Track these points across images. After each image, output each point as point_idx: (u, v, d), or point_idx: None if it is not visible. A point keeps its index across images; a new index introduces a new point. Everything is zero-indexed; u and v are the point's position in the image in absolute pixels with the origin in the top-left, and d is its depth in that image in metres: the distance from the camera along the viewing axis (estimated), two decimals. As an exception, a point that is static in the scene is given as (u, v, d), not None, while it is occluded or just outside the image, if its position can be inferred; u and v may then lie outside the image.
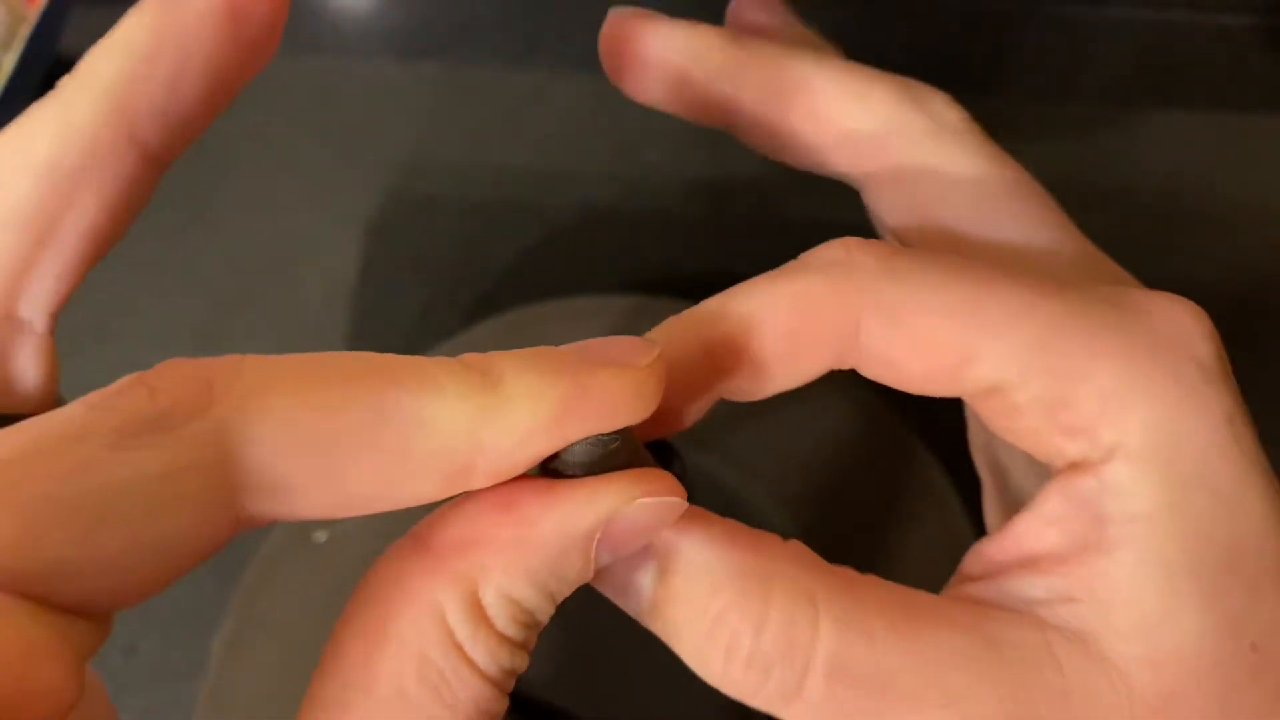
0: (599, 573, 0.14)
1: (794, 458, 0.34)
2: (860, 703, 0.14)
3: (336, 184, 0.42)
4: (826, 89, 0.21)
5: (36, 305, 0.17)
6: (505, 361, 0.12)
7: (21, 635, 0.10)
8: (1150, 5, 0.46)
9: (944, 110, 0.22)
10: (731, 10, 0.25)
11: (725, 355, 0.16)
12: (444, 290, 0.40)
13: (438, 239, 0.41)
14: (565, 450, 0.13)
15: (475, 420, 0.12)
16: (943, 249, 0.19)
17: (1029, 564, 0.16)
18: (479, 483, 0.12)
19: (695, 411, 0.17)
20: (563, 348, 0.13)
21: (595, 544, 0.13)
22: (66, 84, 0.17)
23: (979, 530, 0.34)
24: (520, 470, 0.13)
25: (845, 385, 0.35)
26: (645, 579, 0.14)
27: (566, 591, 0.13)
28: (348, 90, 0.45)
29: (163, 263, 0.41)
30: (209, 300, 0.40)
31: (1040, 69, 0.45)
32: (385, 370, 0.12)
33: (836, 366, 0.17)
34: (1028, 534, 0.16)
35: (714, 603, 0.14)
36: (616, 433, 0.13)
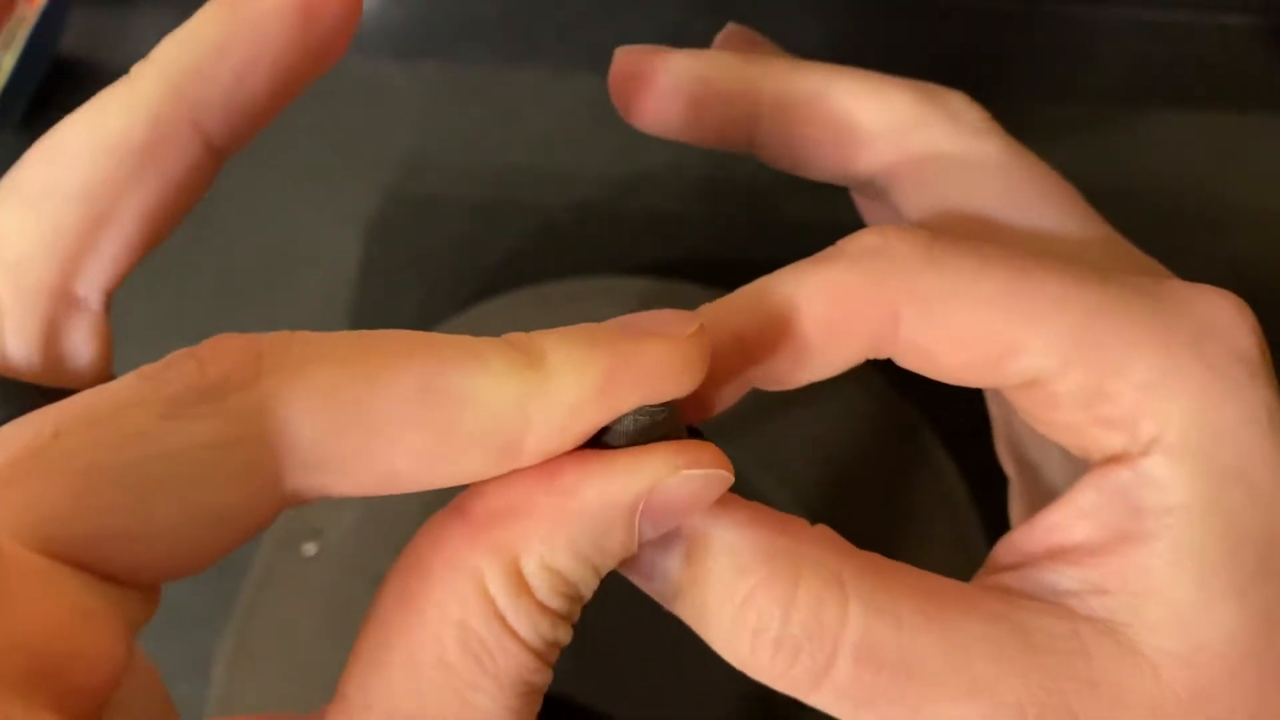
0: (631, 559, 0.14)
1: (807, 448, 0.34)
2: (887, 687, 0.14)
3: (336, 184, 0.42)
4: (844, 93, 0.21)
5: (93, 283, 0.17)
6: (549, 337, 0.12)
7: (76, 600, 0.11)
8: (1150, 5, 0.46)
9: (964, 108, 0.22)
10: (717, 44, 0.25)
11: (760, 343, 0.16)
12: (444, 290, 0.40)
13: (438, 239, 0.41)
14: (612, 424, 0.13)
15: (522, 395, 0.12)
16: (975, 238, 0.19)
17: (1061, 555, 0.16)
18: (527, 460, 0.12)
19: (726, 399, 0.17)
20: (605, 323, 0.13)
21: (638, 516, 0.13)
22: (139, 69, 0.17)
23: (987, 528, 0.34)
24: (569, 447, 0.13)
25: (862, 377, 0.35)
26: (672, 562, 0.14)
27: (609, 564, 0.13)
28: (348, 90, 0.45)
29: (162, 262, 0.41)
30: (209, 300, 0.40)
31: (1040, 69, 0.45)
32: (432, 347, 0.12)
33: (872, 356, 0.17)
34: (1060, 525, 0.16)
35: (742, 584, 0.14)
36: (663, 405, 0.13)
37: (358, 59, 0.45)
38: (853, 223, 0.42)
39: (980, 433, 0.38)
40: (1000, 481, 0.37)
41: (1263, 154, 0.43)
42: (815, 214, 0.42)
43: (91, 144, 0.17)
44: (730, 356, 0.16)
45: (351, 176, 0.42)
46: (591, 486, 0.12)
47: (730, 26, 0.25)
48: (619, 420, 0.13)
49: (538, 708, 0.12)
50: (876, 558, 0.16)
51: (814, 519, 0.33)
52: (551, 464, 0.13)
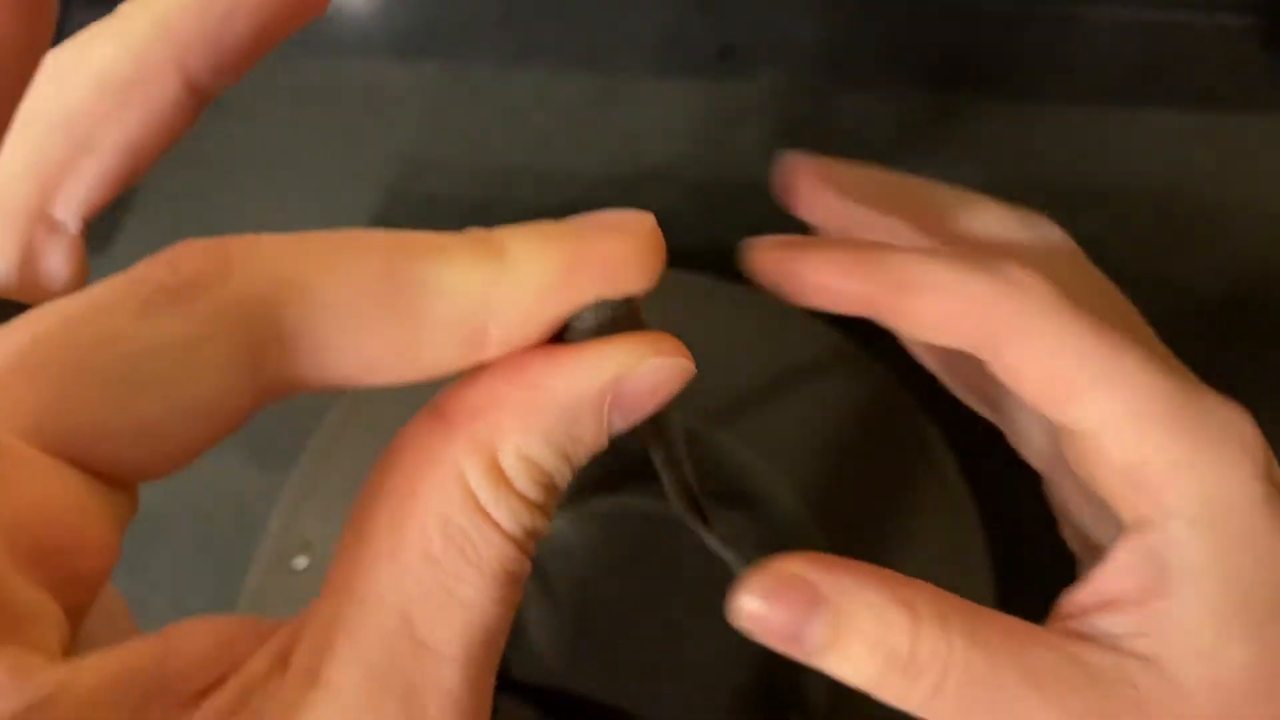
0: (768, 630, 0.19)
1: (805, 434, 0.34)
2: (982, 702, 0.19)
3: (336, 184, 0.42)
4: (945, 209, 0.26)
5: (70, 208, 0.18)
6: (512, 231, 0.13)
7: (71, 490, 0.11)
8: (1150, 5, 0.46)
9: (1049, 230, 0.28)
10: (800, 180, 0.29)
11: (890, 297, 0.22)
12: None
13: (438, 239, 0.41)
14: (574, 318, 0.13)
15: (486, 283, 0.12)
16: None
17: (1109, 605, 0.20)
18: (493, 350, 0.13)
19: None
20: (566, 220, 0.13)
21: (607, 405, 0.13)
22: (128, 8, 0.17)
23: (982, 511, 0.34)
24: (533, 338, 0.13)
25: (860, 367, 0.36)
26: (818, 626, 0.19)
27: (583, 455, 0.13)
28: (348, 90, 0.45)
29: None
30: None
31: (1040, 69, 0.45)
32: (396, 239, 0.12)
33: (969, 351, 0.21)
34: (1106, 582, 0.20)
35: (881, 629, 0.19)
36: (623, 301, 0.13)
37: (358, 59, 0.45)
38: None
39: (980, 430, 0.38)
40: (999, 483, 0.37)
41: (1262, 154, 0.43)
42: (815, 214, 0.42)
43: (77, 74, 0.17)
44: (860, 295, 0.22)
45: (352, 176, 0.43)
46: (561, 377, 0.13)
47: (801, 160, 0.29)
48: (579, 316, 0.13)
49: (519, 598, 0.13)
50: (967, 602, 0.20)
51: (808, 500, 0.33)
52: (521, 358, 0.13)
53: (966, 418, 0.31)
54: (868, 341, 0.39)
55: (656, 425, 0.15)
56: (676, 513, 0.17)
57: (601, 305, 0.13)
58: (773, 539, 0.33)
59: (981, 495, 0.35)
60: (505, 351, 0.13)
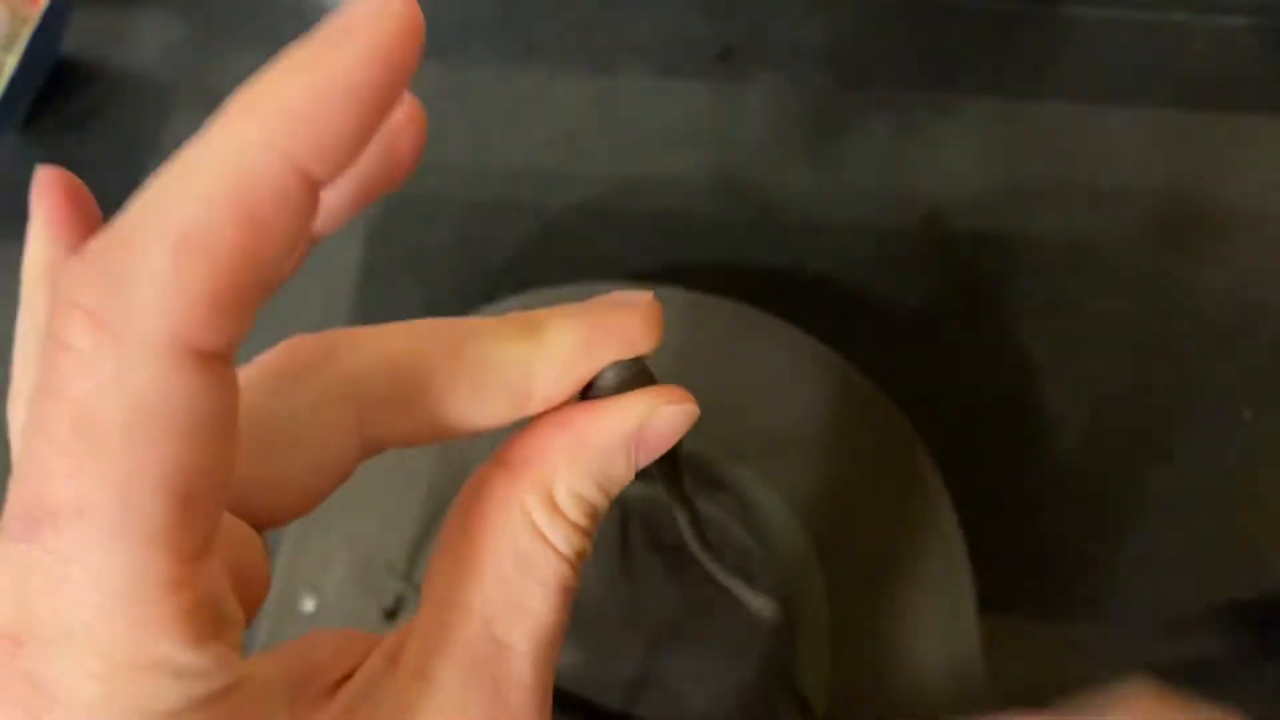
0: None
1: (808, 463, 0.34)
2: None
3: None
4: None
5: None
6: (544, 313, 0.16)
7: (252, 535, 0.15)
8: (1150, 5, 0.46)
9: None
10: None
11: None
12: (444, 290, 0.40)
13: (439, 239, 0.41)
14: (597, 378, 0.16)
15: (529, 353, 0.15)
16: None
17: None
18: (536, 405, 0.16)
19: None
20: (587, 301, 0.17)
21: (633, 446, 0.16)
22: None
23: (965, 525, 0.34)
24: (566, 394, 0.16)
25: (842, 376, 0.36)
26: None
27: (616, 489, 0.16)
28: (348, 90, 0.45)
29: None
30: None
31: (1040, 69, 0.45)
32: (461, 326, 0.16)
33: None
34: None
35: None
36: (634, 361, 0.16)
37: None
38: (851, 224, 0.43)
39: (972, 458, 0.38)
40: (988, 507, 0.37)
41: (1261, 155, 0.43)
42: (814, 216, 0.43)
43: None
44: None
45: (352, 177, 0.43)
46: (598, 427, 0.16)
47: None
48: (601, 375, 0.16)
49: (571, 608, 0.16)
50: None
51: (794, 508, 0.33)
52: (564, 413, 0.16)
53: (963, 450, 0.31)
54: (879, 376, 0.39)
55: (669, 465, 0.18)
56: (688, 544, 0.19)
57: (618, 366, 0.16)
58: (773, 562, 0.33)
59: (969, 525, 0.35)
60: (545, 406, 0.16)
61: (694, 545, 0.19)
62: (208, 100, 0.48)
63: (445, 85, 0.45)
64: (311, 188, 0.12)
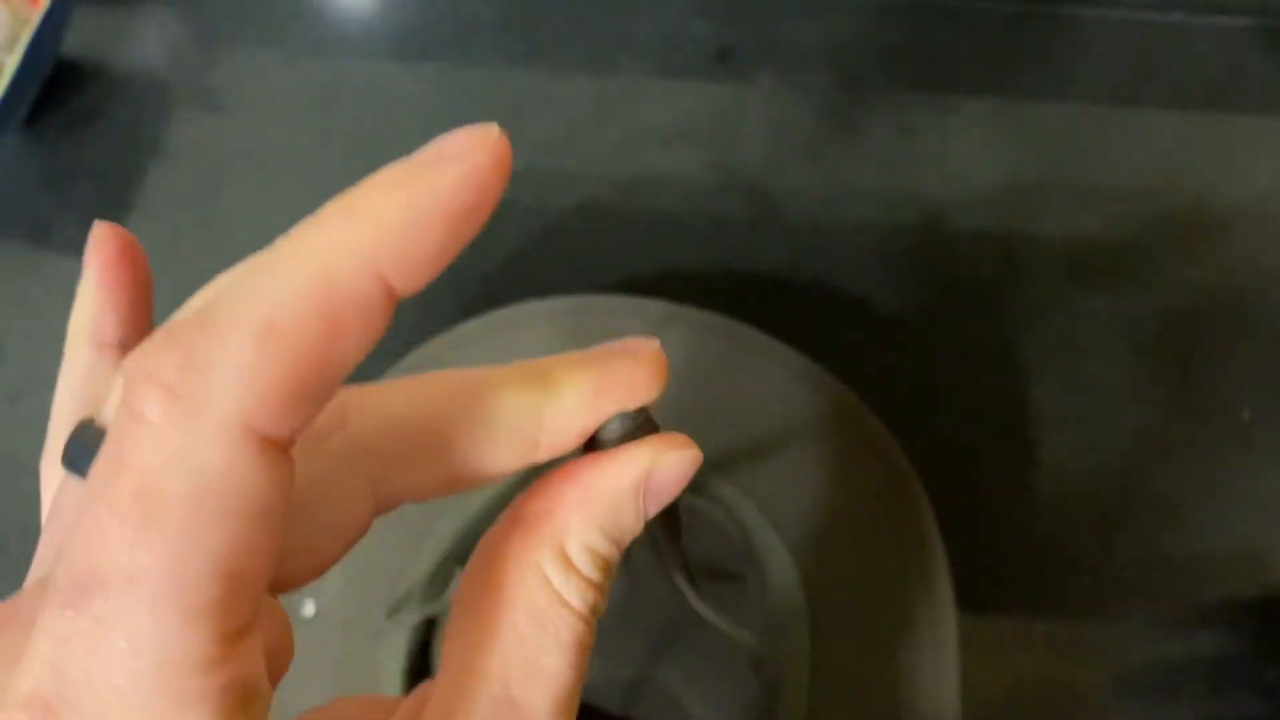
0: None
1: (796, 486, 0.34)
2: None
3: (336, 184, 0.42)
4: None
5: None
6: (551, 361, 0.16)
7: (280, 609, 0.15)
8: (1150, 6, 0.46)
9: None
10: None
11: None
12: (444, 290, 0.40)
13: (438, 239, 0.41)
14: (601, 428, 0.16)
15: (537, 403, 0.15)
16: None
17: None
18: (543, 455, 0.16)
19: None
20: (594, 348, 0.17)
21: (641, 495, 0.16)
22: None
23: (965, 524, 0.34)
24: (574, 443, 0.16)
25: (832, 396, 0.36)
26: None
27: (627, 539, 0.16)
28: (348, 90, 0.45)
29: (163, 263, 0.41)
30: (210, 300, 0.40)
31: (1040, 69, 0.45)
32: (469, 379, 0.16)
33: None
34: None
35: None
36: (639, 410, 0.16)
37: (359, 59, 0.45)
38: (850, 225, 0.43)
39: (972, 458, 0.38)
40: (988, 507, 0.37)
41: (1261, 154, 0.43)
42: (813, 216, 0.43)
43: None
44: None
45: (353, 177, 0.42)
46: (605, 478, 0.16)
47: None
48: (606, 426, 0.16)
49: (587, 663, 0.16)
50: None
51: (797, 557, 0.33)
52: (572, 468, 0.16)
53: (953, 478, 0.31)
54: (879, 376, 0.39)
55: (670, 517, 0.18)
56: (674, 579, 0.19)
57: (623, 416, 0.16)
58: (758, 585, 0.33)
59: (953, 548, 0.35)
60: (551, 455, 0.16)
61: (679, 580, 0.19)
62: (208, 100, 0.49)
63: (445, 85, 0.45)
64: (391, 297, 0.13)
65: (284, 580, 0.15)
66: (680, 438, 0.16)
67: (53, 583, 0.12)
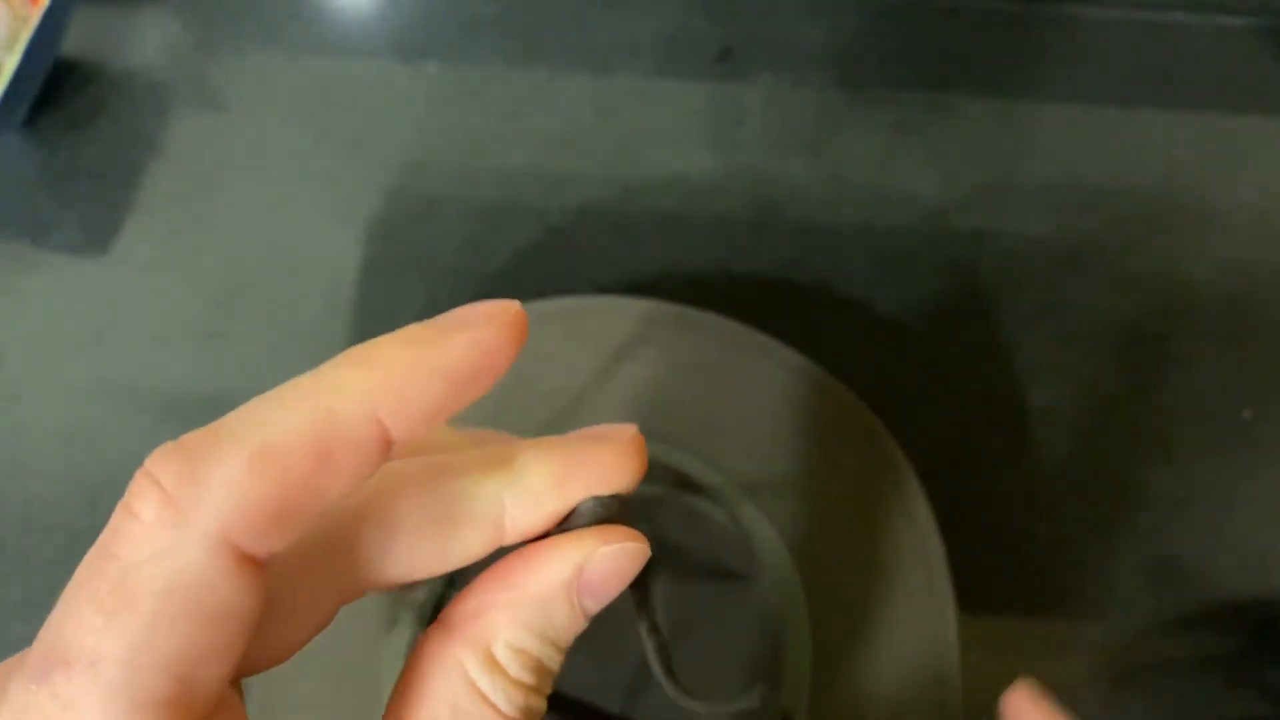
0: None
1: (799, 490, 0.34)
2: None
3: (336, 184, 0.42)
4: None
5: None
6: (519, 445, 0.16)
7: (236, 706, 0.15)
8: (1150, 6, 0.46)
9: None
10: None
11: None
12: (444, 290, 0.40)
13: (438, 239, 0.41)
14: (574, 513, 0.16)
15: (500, 488, 0.15)
16: None
17: None
18: (510, 538, 0.16)
19: None
20: (564, 435, 0.16)
21: (575, 592, 0.15)
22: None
23: (965, 524, 0.34)
24: (540, 528, 0.16)
25: (833, 397, 0.36)
26: None
27: (565, 638, 0.16)
28: (348, 90, 0.45)
29: (163, 263, 0.41)
30: (210, 300, 0.40)
31: (1040, 69, 0.45)
32: (430, 467, 0.15)
33: None
34: None
35: None
36: (613, 496, 0.16)
37: (359, 59, 0.45)
38: (849, 225, 0.43)
39: (972, 458, 0.38)
40: (988, 507, 0.37)
41: (1261, 154, 0.43)
42: (813, 216, 0.43)
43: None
44: None
45: (353, 177, 0.43)
46: (534, 576, 0.15)
47: None
48: (576, 511, 0.16)
49: None
50: None
51: (799, 563, 0.33)
52: (503, 565, 0.16)
53: (947, 474, 0.31)
54: (878, 375, 0.39)
55: (639, 597, 0.17)
56: (654, 673, 0.19)
57: (594, 500, 0.16)
58: (758, 585, 0.33)
59: (952, 549, 0.35)
60: (519, 539, 0.16)
61: (660, 675, 0.18)
62: (208, 100, 0.49)
63: (445, 85, 0.45)
64: (385, 441, 0.14)
65: (245, 668, 0.15)
66: (619, 530, 0.16)
67: (29, 654, 0.13)
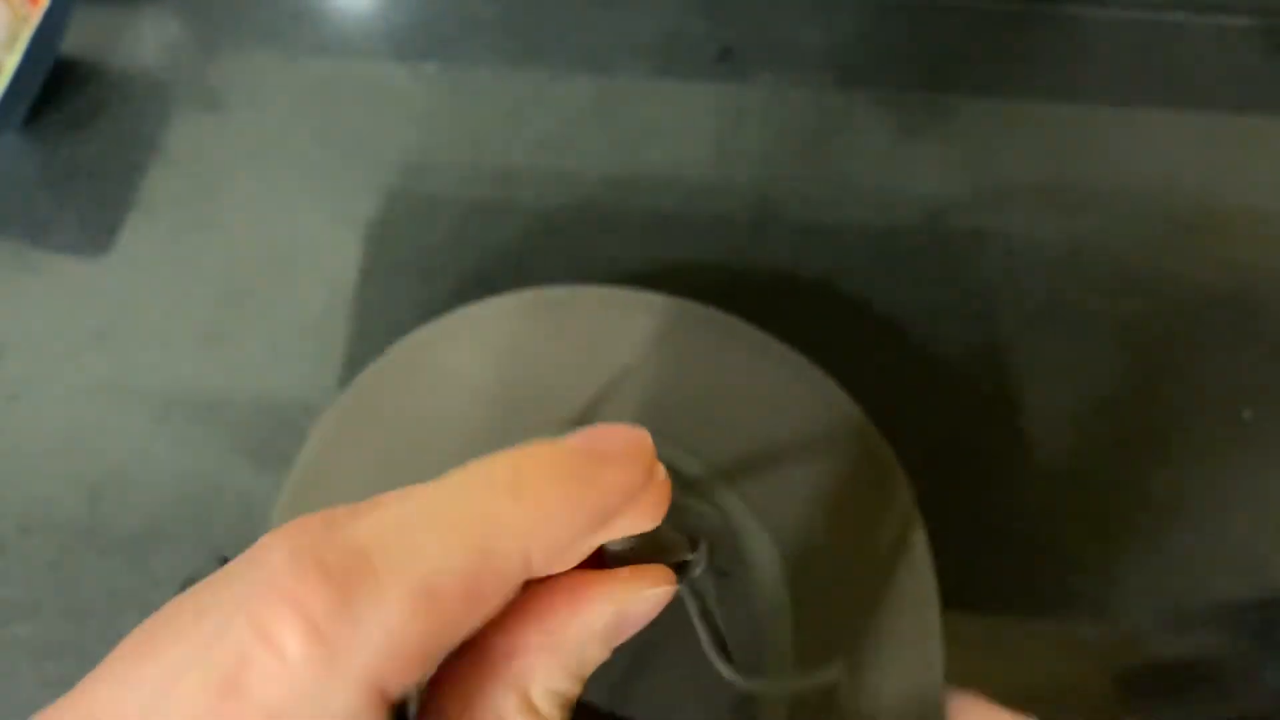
0: None
1: (792, 493, 0.34)
2: None
3: (336, 184, 0.42)
4: None
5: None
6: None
7: None
8: (1150, 6, 0.46)
9: None
10: None
11: None
12: (444, 290, 0.40)
13: (438, 239, 0.41)
14: (607, 545, 0.16)
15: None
16: None
17: None
18: (540, 575, 0.15)
19: None
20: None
21: (609, 634, 0.15)
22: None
23: (964, 524, 0.34)
24: (572, 564, 0.15)
25: (827, 397, 0.36)
26: None
27: (591, 670, 0.16)
28: (348, 90, 0.45)
29: (164, 263, 0.41)
30: (210, 300, 0.40)
31: (1040, 69, 0.45)
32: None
33: None
34: None
35: None
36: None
37: (359, 59, 0.45)
38: (849, 226, 0.43)
39: (971, 458, 0.38)
40: (987, 507, 0.37)
41: (1260, 154, 0.43)
42: (813, 216, 0.43)
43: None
44: None
45: (352, 176, 0.43)
46: (575, 621, 0.15)
47: None
48: (611, 543, 0.16)
49: None
50: None
51: (789, 561, 0.33)
52: (540, 604, 0.15)
53: (963, 454, 0.31)
54: (877, 375, 0.39)
55: (693, 589, 0.18)
56: (707, 653, 0.19)
57: (629, 536, 0.16)
58: (746, 584, 0.33)
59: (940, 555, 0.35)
60: (551, 573, 0.15)
61: (712, 654, 0.19)
62: (208, 100, 0.49)
63: (445, 85, 0.45)
64: (527, 575, 0.13)
65: None
66: (659, 573, 0.16)
67: None
